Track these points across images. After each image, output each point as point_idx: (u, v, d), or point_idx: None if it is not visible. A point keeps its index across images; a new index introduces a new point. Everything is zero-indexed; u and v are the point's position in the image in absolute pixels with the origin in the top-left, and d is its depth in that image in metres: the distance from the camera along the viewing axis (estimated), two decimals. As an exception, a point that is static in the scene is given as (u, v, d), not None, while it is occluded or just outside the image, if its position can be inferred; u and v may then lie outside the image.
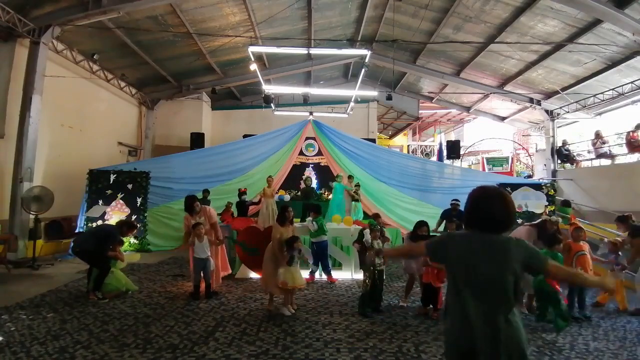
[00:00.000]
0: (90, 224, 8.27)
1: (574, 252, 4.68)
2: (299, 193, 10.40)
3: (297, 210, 7.27)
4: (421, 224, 5.04)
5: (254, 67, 8.97)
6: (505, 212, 1.83)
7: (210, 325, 4.11)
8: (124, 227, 5.49)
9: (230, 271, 6.22)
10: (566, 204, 9.19)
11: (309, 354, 3.44)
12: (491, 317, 1.73)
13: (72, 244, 5.30)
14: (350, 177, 9.53)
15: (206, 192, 8.76)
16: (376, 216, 6.16)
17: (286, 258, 4.62)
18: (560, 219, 5.28)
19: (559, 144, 12.46)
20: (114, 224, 5.99)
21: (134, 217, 8.61)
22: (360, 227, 5.85)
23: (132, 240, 8.44)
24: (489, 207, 1.84)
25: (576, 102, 11.42)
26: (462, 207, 6.79)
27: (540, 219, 5.58)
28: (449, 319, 1.88)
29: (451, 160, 14.03)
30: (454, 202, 7.37)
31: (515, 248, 1.79)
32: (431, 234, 6.13)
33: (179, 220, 7.85)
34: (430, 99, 15.80)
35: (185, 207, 5.43)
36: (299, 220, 7.18)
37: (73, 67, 9.42)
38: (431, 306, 4.65)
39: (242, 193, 8.72)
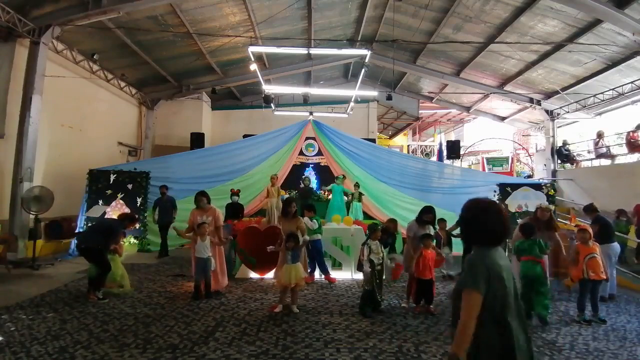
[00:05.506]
0: (90, 224, 8.28)
1: (584, 255, 4.44)
2: (298, 193, 10.38)
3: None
4: (427, 210, 5.01)
5: (254, 67, 8.97)
6: (502, 224, 1.80)
7: (210, 325, 4.11)
8: (126, 220, 5.51)
9: (221, 286, 5.42)
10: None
11: (309, 354, 3.44)
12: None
13: (76, 241, 5.28)
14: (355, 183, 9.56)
15: (164, 187, 8.29)
16: (392, 221, 5.97)
17: (284, 252, 4.72)
18: (552, 207, 5.24)
19: (559, 144, 12.48)
20: (116, 217, 6.02)
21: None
22: (360, 227, 5.81)
23: (132, 240, 8.43)
24: (487, 221, 1.78)
25: (576, 102, 11.42)
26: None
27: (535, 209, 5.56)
28: (485, 356, 1.64)
29: (451, 160, 14.02)
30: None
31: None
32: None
33: (178, 220, 7.81)
34: (430, 99, 15.80)
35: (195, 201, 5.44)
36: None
37: (73, 67, 9.42)
38: (424, 302, 4.73)
39: (234, 194, 8.22)
